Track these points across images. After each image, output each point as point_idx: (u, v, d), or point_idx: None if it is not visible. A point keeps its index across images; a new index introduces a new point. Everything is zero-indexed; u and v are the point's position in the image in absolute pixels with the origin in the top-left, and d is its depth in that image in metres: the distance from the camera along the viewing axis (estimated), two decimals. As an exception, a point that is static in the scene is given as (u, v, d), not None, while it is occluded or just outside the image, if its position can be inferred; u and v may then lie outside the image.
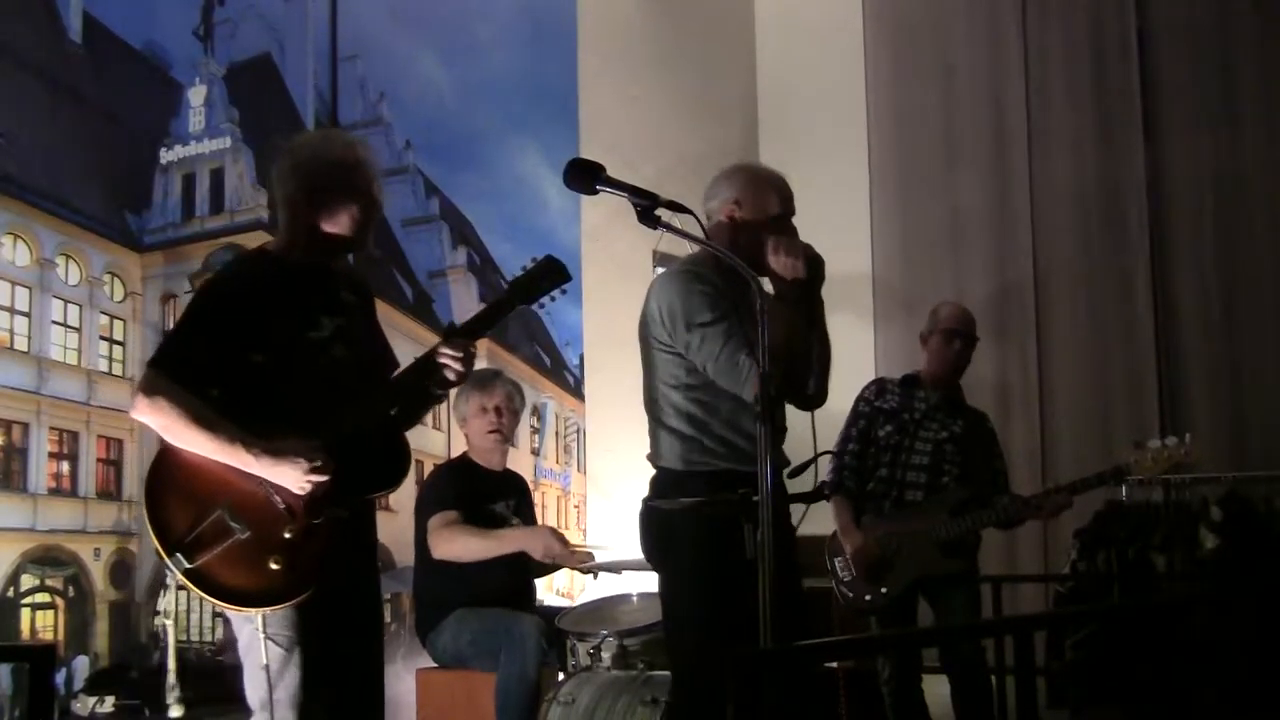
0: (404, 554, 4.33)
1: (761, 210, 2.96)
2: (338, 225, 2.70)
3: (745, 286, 3.01)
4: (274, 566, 2.52)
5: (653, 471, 3.06)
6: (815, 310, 2.92)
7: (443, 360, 2.67)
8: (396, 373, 2.80)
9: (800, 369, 2.92)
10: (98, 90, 3.87)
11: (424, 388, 2.74)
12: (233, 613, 2.61)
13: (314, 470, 2.53)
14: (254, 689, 2.58)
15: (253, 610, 2.53)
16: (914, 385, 4.28)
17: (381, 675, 2.83)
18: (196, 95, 4.17)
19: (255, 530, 2.53)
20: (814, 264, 2.88)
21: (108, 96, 3.91)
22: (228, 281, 2.75)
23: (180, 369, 2.56)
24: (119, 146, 3.95)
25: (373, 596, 2.86)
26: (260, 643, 2.55)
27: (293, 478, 2.53)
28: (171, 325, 2.76)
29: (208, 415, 2.53)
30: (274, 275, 2.68)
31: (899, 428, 4.19)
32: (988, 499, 4.16)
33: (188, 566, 2.47)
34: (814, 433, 2.90)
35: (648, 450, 3.07)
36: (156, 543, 2.49)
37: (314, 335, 2.66)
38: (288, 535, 2.54)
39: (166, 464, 2.56)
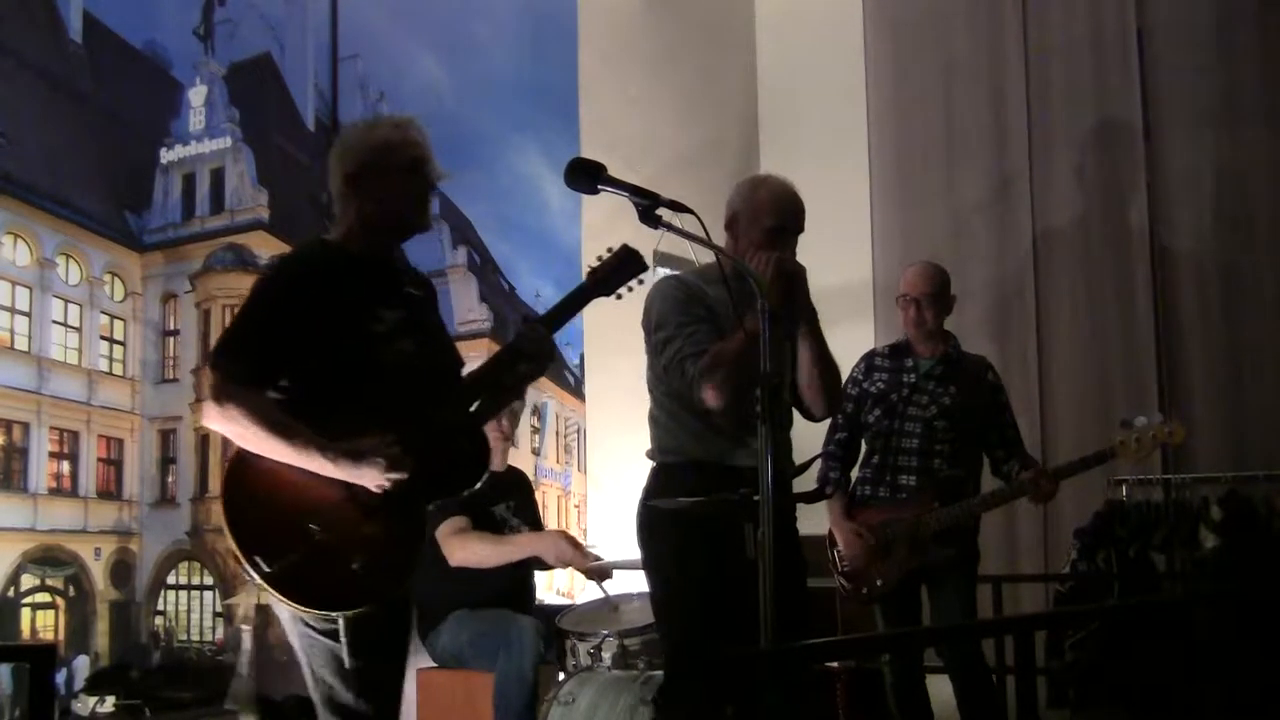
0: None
1: (754, 223, 2.97)
2: (390, 207, 2.64)
3: (751, 296, 3.05)
4: (356, 568, 2.45)
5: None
6: (798, 325, 2.93)
7: (523, 352, 2.64)
8: (477, 367, 2.73)
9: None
10: (98, 90, 3.87)
11: (502, 382, 2.68)
12: (285, 613, 2.52)
13: (392, 468, 2.46)
14: (316, 687, 2.54)
15: (335, 614, 2.45)
16: (903, 354, 4.22)
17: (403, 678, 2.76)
18: (197, 95, 4.17)
19: (336, 532, 2.45)
20: (789, 280, 2.87)
21: (108, 96, 3.91)
22: (283, 274, 2.65)
23: (244, 369, 2.48)
24: (119, 146, 3.95)
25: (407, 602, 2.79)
26: (319, 644, 2.49)
27: (371, 477, 2.46)
28: (229, 324, 2.66)
29: (282, 420, 2.45)
30: (331, 266, 2.60)
31: (887, 410, 4.15)
32: (980, 475, 4.15)
33: (267, 571, 2.39)
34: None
35: (648, 448, 3.15)
36: (235, 548, 2.41)
37: (375, 329, 2.57)
38: (369, 534, 2.47)
39: (243, 468, 2.48)
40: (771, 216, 3.03)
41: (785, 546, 3.06)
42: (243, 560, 2.40)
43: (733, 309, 2.95)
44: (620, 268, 2.74)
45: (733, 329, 2.90)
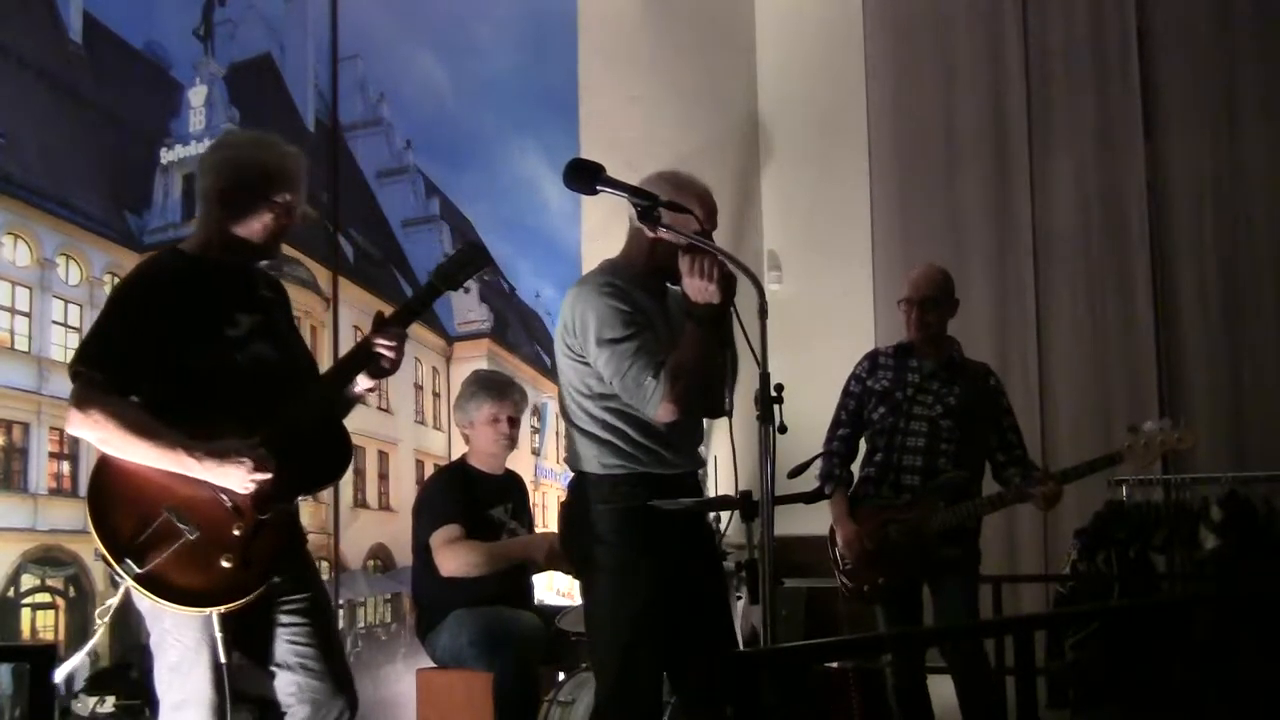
0: (404, 554, 4.33)
1: (682, 225, 2.85)
2: (248, 230, 2.70)
3: (664, 295, 3.04)
4: (225, 565, 2.52)
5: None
6: (726, 329, 2.90)
7: (378, 349, 2.70)
8: (332, 365, 2.83)
9: (714, 386, 2.96)
10: (98, 90, 3.87)
11: (358, 378, 2.75)
12: (148, 610, 2.58)
13: (257, 469, 2.53)
14: (164, 688, 2.60)
15: (207, 610, 2.52)
16: (907, 354, 4.21)
17: (341, 654, 2.81)
18: (197, 95, 4.16)
19: (204, 530, 2.52)
20: (727, 285, 2.84)
21: (108, 96, 3.91)
22: (140, 281, 2.70)
23: (105, 375, 2.54)
24: (119, 146, 3.95)
25: (314, 584, 2.84)
26: (210, 642, 2.54)
27: (236, 478, 2.53)
28: (87, 331, 2.76)
29: (145, 422, 2.52)
30: (187, 273, 2.67)
31: (891, 408, 4.14)
32: (983, 477, 4.15)
33: (138, 571, 2.45)
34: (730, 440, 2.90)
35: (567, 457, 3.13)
36: (104, 549, 2.48)
37: (231, 332, 2.66)
38: (237, 533, 2.55)
39: (109, 469, 2.54)
40: (698, 220, 3.00)
41: (703, 552, 3.10)
42: (113, 562, 2.46)
43: (674, 317, 2.98)
44: (464, 263, 2.82)
45: (682, 338, 2.89)
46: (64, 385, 3.71)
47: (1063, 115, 6.36)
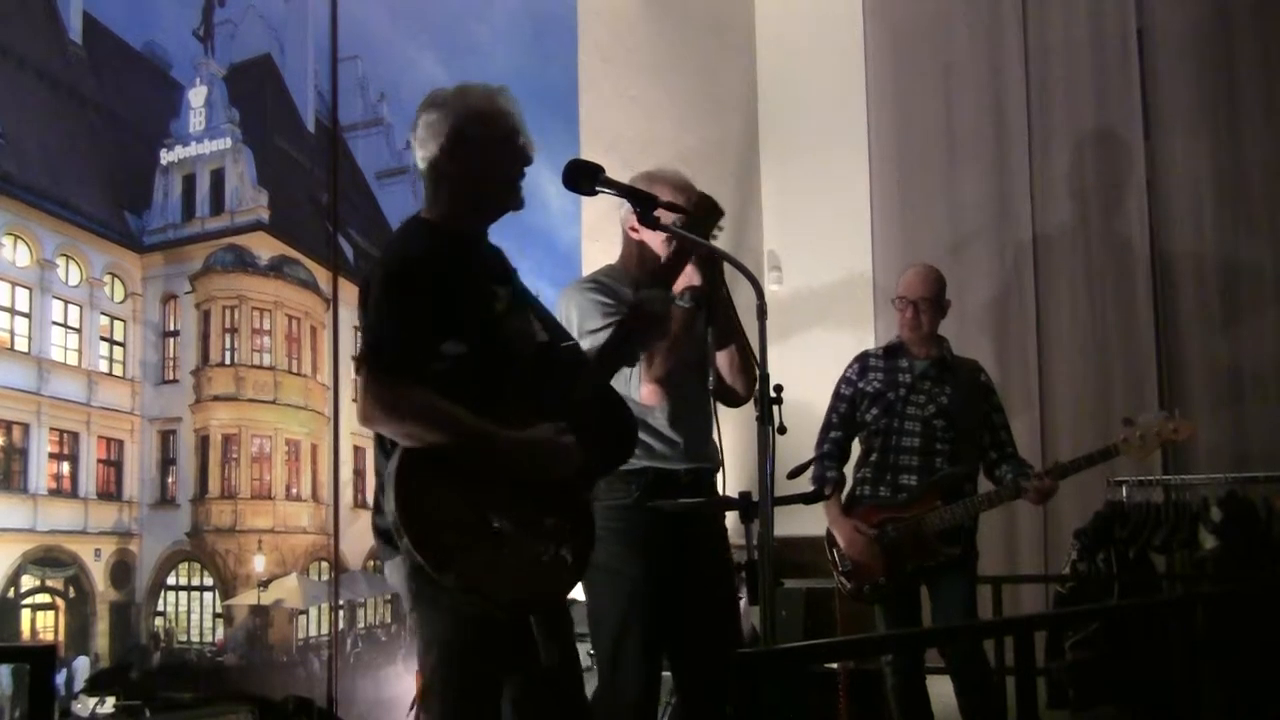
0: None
1: (655, 220, 2.90)
2: (485, 180, 2.52)
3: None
4: (545, 559, 2.34)
5: None
6: (722, 311, 2.90)
7: (649, 310, 2.58)
8: (604, 340, 2.65)
9: (710, 372, 2.97)
10: (98, 90, 3.87)
11: (631, 353, 2.62)
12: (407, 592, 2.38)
13: (572, 455, 2.37)
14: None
15: (530, 613, 2.36)
16: (897, 354, 4.24)
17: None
18: (197, 96, 4.17)
19: (521, 526, 2.33)
20: (707, 266, 2.85)
21: (108, 96, 3.91)
22: (406, 261, 2.47)
23: (405, 366, 2.32)
24: (119, 146, 3.95)
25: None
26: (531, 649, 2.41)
27: (555, 467, 2.35)
28: (368, 328, 2.47)
29: (453, 415, 2.30)
30: (443, 246, 2.46)
31: (885, 409, 4.16)
32: (978, 475, 4.15)
33: (457, 577, 2.24)
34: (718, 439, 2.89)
35: None
36: (421, 559, 2.23)
37: (496, 307, 2.47)
38: (552, 525, 2.37)
39: (414, 472, 2.29)
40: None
41: (714, 551, 3.11)
42: (426, 565, 2.24)
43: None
44: (706, 215, 2.72)
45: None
46: (64, 386, 3.73)
47: (1063, 115, 6.35)
